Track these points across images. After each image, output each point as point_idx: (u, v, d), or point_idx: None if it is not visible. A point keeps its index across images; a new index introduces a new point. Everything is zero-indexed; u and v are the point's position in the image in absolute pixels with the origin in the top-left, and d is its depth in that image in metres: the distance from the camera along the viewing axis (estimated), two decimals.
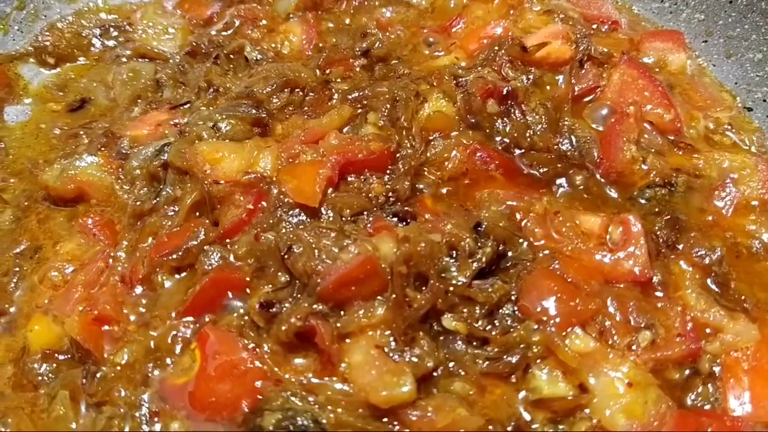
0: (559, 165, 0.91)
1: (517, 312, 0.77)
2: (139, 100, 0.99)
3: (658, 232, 0.84)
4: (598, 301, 0.77)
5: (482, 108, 0.93)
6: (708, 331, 0.78)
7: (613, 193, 0.89)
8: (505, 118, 0.93)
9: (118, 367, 0.75)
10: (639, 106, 0.94)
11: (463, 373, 0.75)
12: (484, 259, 0.79)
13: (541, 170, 0.91)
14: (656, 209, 0.88)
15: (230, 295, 0.78)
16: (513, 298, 0.77)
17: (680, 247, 0.84)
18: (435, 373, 0.74)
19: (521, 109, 0.93)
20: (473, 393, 0.74)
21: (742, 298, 0.81)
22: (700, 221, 0.87)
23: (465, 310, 0.77)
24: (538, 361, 0.75)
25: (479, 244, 0.80)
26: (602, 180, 0.90)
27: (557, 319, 0.75)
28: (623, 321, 0.77)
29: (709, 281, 0.82)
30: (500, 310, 0.77)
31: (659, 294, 0.80)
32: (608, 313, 0.77)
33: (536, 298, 0.77)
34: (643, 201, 0.89)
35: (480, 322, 0.76)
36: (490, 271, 0.80)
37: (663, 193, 0.89)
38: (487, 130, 0.93)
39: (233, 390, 0.72)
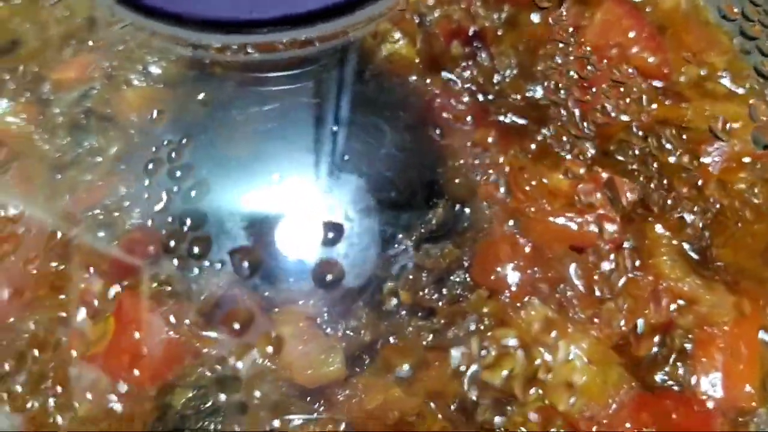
0: (528, 114, 0.81)
1: (468, 280, 0.70)
2: (72, 41, 0.90)
3: (634, 192, 0.75)
4: (560, 269, 0.70)
5: (446, 50, 0.83)
6: (681, 302, 0.70)
7: (588, 147, 0.80)
8: (470, 62, 0.83)
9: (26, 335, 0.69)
10: (622, 49, 0.83)
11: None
12: (434, 221, 0.71)
13: (509, 119, 0.81)
14: (634, 166, 0.78)
15: (149, 258, 0.71)
16: (465, 264, 0.70)
17: (657, 209, 0.75)
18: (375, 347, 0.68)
19: (489, 51, 0.83)
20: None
21: (724, 267, 0.72)
22: (683, 180, 0.78)
23: (411, 278, 0.69)
24: (489, 334, 0.68)
25: (431, 203, 0.72)
26: (576, 132, 0.81)
27: (513, 288, 0.68)
28: (587, 291, 0.70)
29: (687, 247, 0.73)
30: (450, 278, 0.70)
31: (630, 261, 0.72)
32: (570, 282, 0.70)
33: (491, 264, 0.69)
34: (620, 156, 0.79)
35: (426, 291, 0.69)
36: (444, 233, 0.72)
37: (643, 147, 0.79)
38: (451, 75, 0.83)
39: (148, 363, 0.65)
